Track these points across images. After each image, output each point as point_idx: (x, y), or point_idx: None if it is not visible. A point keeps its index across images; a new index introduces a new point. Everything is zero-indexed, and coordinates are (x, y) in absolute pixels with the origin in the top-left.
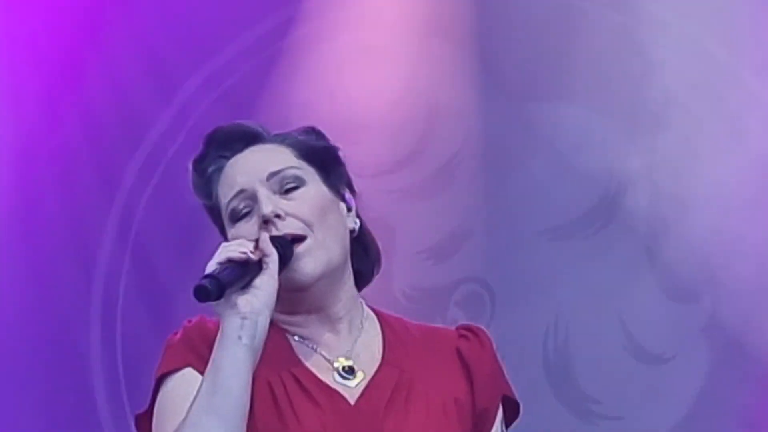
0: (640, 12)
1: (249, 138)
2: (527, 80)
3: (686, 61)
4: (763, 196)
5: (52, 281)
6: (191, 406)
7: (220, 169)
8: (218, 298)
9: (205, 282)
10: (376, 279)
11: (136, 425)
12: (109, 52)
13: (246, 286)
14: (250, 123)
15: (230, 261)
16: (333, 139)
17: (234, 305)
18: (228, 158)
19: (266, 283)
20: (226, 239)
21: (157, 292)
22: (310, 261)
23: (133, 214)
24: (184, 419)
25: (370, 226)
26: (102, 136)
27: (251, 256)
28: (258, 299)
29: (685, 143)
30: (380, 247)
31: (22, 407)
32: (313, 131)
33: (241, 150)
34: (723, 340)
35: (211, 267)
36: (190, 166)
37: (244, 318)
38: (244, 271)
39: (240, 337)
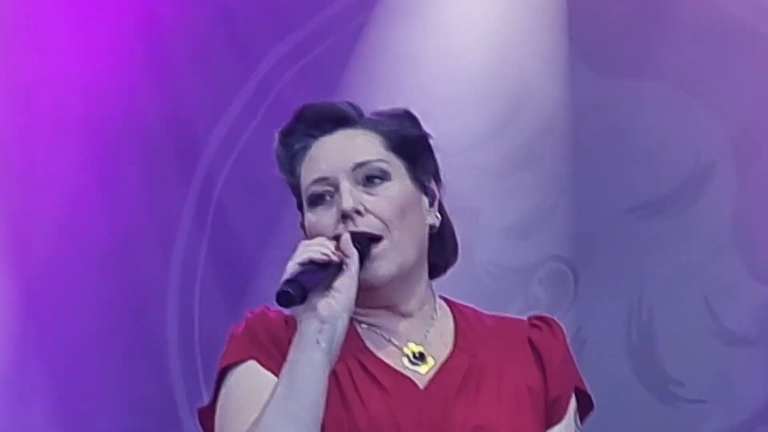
0: None
1: (340, 119)
2: (617, 57)
3: None
4: None
5: (130, 261)
6: (265, 407)
7: (305, 148)
8: (302, 302)
9: (288, 288)
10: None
11: (200, 418)
12: (192, 24)
13: (326, 288)
14: (343, 103)
15: (311, 262)
16: (417, 112)
17: (314, 308)
18: (316, 137)
19: (346, 286)
20: (302, 216)
21: (236, 272)
22: (384, 263)
23: (212, 190)
24: (258, 421)
25: (453, 203)
26: (182, 110)
27: (333, 257)
28: (338, 302)
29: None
30: (459, 230)
31: (99, 392)
32: (406, 116)
33: (330, 131)
34: None
35: (291, 267)
36: (276, 136)
37: (323, 322)
38: (325, 273)
39: (318, 341)
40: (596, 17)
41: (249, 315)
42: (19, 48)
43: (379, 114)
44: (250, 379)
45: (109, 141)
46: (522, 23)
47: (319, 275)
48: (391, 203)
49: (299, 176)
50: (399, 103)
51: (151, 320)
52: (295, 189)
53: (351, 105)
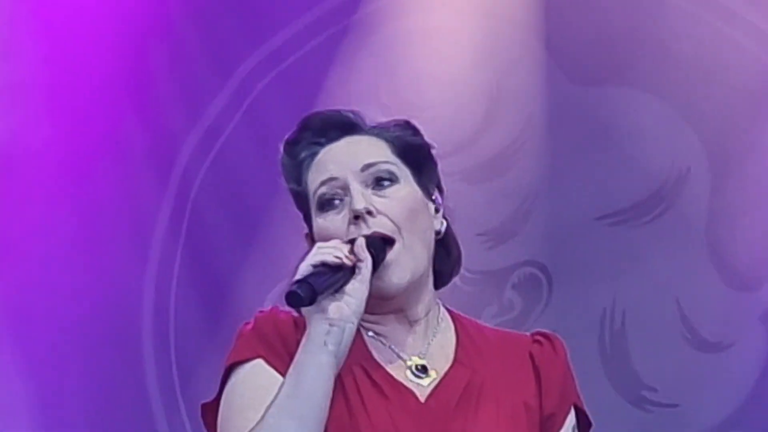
0: (706, 2)
1: (346, 127)
2: (591, 64)
3: (756, 52)
4: None
5: (105, 265)
6: (269, 406)
7: (312, 155)
8: (310, 304)
9: (298, 288)
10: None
11: (203, 414)
12: (170, 28)
13: (337, 291)
14: (348, 111)
15: (324, 265)
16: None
17: (323, 310)
18: (323, 145)
19: (358, 290)
20: (309, 227)
21: (211, 277)
22: (398, 271)
23: (188, 195)
24: (262, 419)
25: None
26: (159, 113)
27: (346, 261)
28: (348, 306)
29: (746, 132)
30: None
31: (73, 392)
32: (408, 126)
33: (336, 138)
34: None
35: (303, 269)
36: (282, 147)
37: (332, 325)
38: (337, 276)
39: (326, 343)
40: (572, 25)
41: (259, 314)
42: None
43: (382, 124)
44: (256, 378)
45: (86, 143)
46: (498, 31)
47: (331, 278)
48: (401, 205)
49: (306, 184)
50: (375, 111)
51: (126, 326)
52: (302, 198)
53: (356, 113)
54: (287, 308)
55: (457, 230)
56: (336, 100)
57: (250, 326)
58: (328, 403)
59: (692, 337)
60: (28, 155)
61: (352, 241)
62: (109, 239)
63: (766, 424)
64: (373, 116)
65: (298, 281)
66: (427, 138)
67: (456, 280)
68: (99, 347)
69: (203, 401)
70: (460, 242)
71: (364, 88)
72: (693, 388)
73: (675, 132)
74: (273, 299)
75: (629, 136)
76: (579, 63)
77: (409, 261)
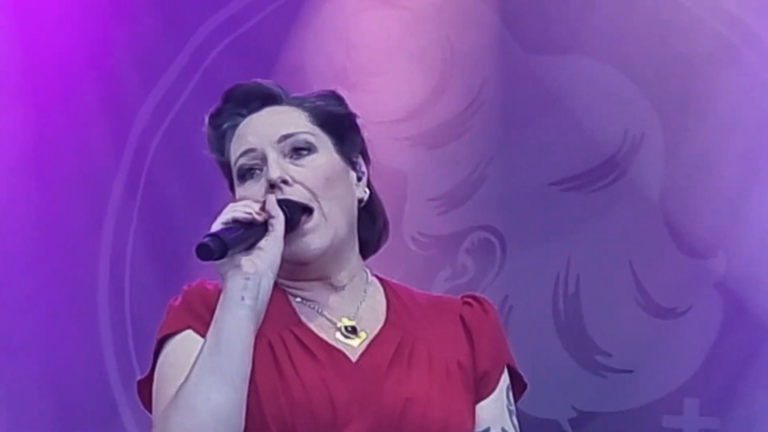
0: None
1: (267, 98)
2: (545, 32)
3: (709, 21)
4: None
5: (60, 235)
6: (193, 365)
7: (234, 126)
8: (221, 257)
9: (208, 240)
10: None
11: (139, 391)
12: None
13: (250, 247)
14: (269, 83)
15: (235, 221)
16: (348, 85)
17: (237, 266)
18: (244, 116)
19: (271, 245)
20: (234, 196)
21: (167, 245)
22: (316, 238)
23: (143, 162)
24: (186, 379)
25: (382, 173)
26: (114, 81)
27: (257, 217)
28: (262, 260)
29: (699, 99)
30: (387, 199)
31: (28, 365)
32: (333, 96)
33: (257, 109)
34: (736, 296)
35: (216, 227)
36: (206, 120)
37: (246, 279)
38: (249, 232)
39: (243, 298)
40: None
41: (186, 287)
42: None
43: (306, 95)
44: (186, 347)
45: (41, 111)
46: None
47: (243, 234)
48: (317, 173)
49: (229, 153)
50: (330, 77)
51: (82, 293)
52: (226, 168)
53: (277, 85)
54: (216, 281)
55: (409, 194)
56: (291, 67)
57: (178, 300)
58: (249, 358)
59: (646, 302)
60: None
61: (264, 202)
62: (65, 210)
63: (720, 391)
64: (326, 85)
65: (208, 235)
66: (351, 107)
67: (409, 243)
68: (55, 320)
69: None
70: (413, 206)
71: (319, 54)
72: (648, 354)
73: (628, 99)
74: None
75: (583, 103)
76: (532, 30)
77: (327, 228)
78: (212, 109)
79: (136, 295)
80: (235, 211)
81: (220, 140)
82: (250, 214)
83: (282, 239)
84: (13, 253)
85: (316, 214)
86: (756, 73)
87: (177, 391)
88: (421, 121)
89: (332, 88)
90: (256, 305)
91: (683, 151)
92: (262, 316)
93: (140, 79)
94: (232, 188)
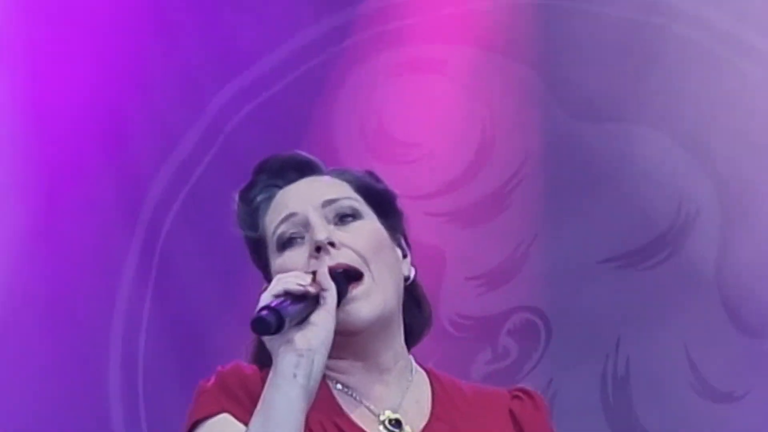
0: (717, 33)
1: (304, 168)
2: (592, 100)
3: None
4: None
5: (71, 312)
6: None
7: (269, 199)
8: (277, 331)
9: (265, 314)
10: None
11: None
12: (141, 61)
13: (302, 321)
14: (306, 154)
15: (287, 293)
16: (380, 157)
17: (290, 341)
18: (280, 187)
19: (324, 320)
20: (266, 277)
21: (182, 325)
22: (366, 304)
23: (157, 237)
24: None
25: (419, 251)
26: (128, 153)
27: (309, 289)
28: (316, 336)
29: (760, 171)
30: (424, 278)
31: None
32: (371, 174)
33: (294, 180)
34: None
35: (266, 299)
36: (236, 197)
37: (300, 356)
38: (302, 305)
39: (295, 375)
40: (571, 57)
41: (221, 368)
42: None
43: (342, 168)
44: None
45: (52, 184)
46: (493, 65)
47: (295, 306)
48: (367, 238)
49: (263, 227)
50: (361, 148)
51: (93, 377)
52: (260, 245)
53: (313, 157)
54: (250, 363)
55: (448, 273)
56: (318, 136)
57: (212, 381)
58: None
59: (701, 386)
60: None
61: (314, 273)
62: (76, 286)
63: None
64: (357, 155)
65: (264, 308)
66: (390, 186)
67: (446, 325)
68: (65, 400)
69: None
70: (451, 286)
71: (346, 125)
72: None
73: (683, 171)
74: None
75: (634, 175)
76: (579, 97)
77: (378, 296)
78: (244, 185)
79: (150, 378)
80: (286, 282)
81: (254, 215)
82: (303, 286)
83: (334, 313)
84: (22, 332)
85: (366, 279)
86: None
87: None
88: (459, 195)
89: (364, 160)
90: (308, 384)
91: (741, 225)
92: (314, 396)
93: (155, 148)
94: (263, 267)
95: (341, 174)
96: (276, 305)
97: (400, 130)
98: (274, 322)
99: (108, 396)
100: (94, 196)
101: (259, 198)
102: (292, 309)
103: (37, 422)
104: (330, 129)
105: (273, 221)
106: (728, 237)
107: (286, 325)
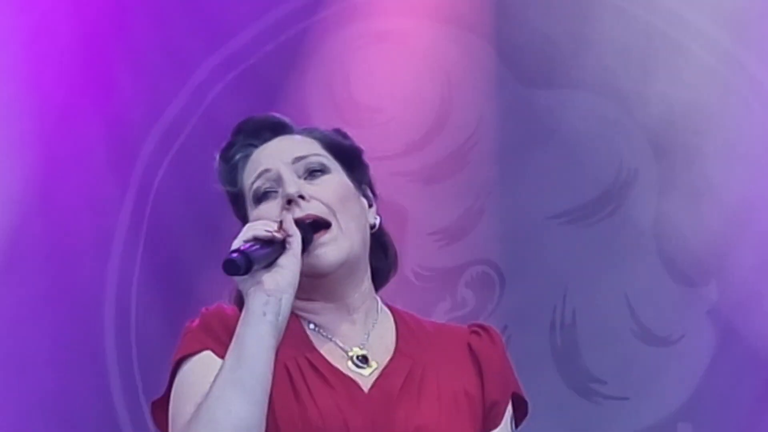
0: (656, 7)
1: (278, 128)
2: (542, 67)
3: (700, 54)
4: None
5: (67, 264)
6: (214, 380)
7: (246, 157)
8: (246, 272)
9: (235, 256)
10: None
11: (152, 413)
12: (128, 31)
13: (270, 264)
14: (279, 115)
15: (256, 239)
16: (348, 121)
17: (259, 282)
18: (256, 146)
19: (290, 263)
20: (245, 223)
21: (173, 277)
22: (334, 248)
23: (148, 195)
24: (208, 393)
25: (383, 208)
26: (119, 115)
27: (276, 234)
28: (283, 277)
29: (694, 133)
30: (394, 237)
31: (35, 396)
32: (339, 132)
33: (269, 139)
34: (728, 323)
35: (237, 244)
36: (217, 156)
37: (269, 295)
38: (269, 250)
39: (264, 314)
40: (520, 28)
41: (205, 310)
42: None
43: (313, 127)
44: (204, 368)
45: (47, 144)
46: (450, 34)
47: (264, 251)
48: (334, 191)
49: (242, 182)
50: (331, 113)
51: (88, 323)
52: (238, 198)
53: (286, 118)
54: (232, 305)
55: (410, 228)
56: (292, 102)
57: (196, 322)
58: (270, 373)
59: (641, 331)
60: None
61: (281, 222)
62: (72, 243)
63: (713, 416)
64: (328, 118)
65: (234, 251)
66: (356, 142)
67: (410, 276)
68: (62, 348)
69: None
70: (413, 240)
71: (320, 90)
72: (642, 381)
73: (624, 132)
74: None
75: (579, 138)
76: (528, 65)
77: (344, 242)
78: (223, 145)
79: (141, 322)
80: (255, 229)
81: (233, 172)
82: (269, 232)
83: (300, 257)
84: (21, 284)
85: (334, 227)
86: (750, 107)
87: (198, 406)
88: (420, 156)
89: (334, 125)
90: (277, 321)
91: (675, 185)
92: (282, 333)
93: (144, 113)
94: (243, 218)
95: (311, 132)
96: (245, 249)
97: (366, 97)
98: (243, 264)
99: (103, 332)
100: (87, 156)
101: (237, 156)
102: (260, 253)
103: (36, 355)
104: (303, 97)
105: (250, 177)
106: (664, 195)
107: (254, 266)
